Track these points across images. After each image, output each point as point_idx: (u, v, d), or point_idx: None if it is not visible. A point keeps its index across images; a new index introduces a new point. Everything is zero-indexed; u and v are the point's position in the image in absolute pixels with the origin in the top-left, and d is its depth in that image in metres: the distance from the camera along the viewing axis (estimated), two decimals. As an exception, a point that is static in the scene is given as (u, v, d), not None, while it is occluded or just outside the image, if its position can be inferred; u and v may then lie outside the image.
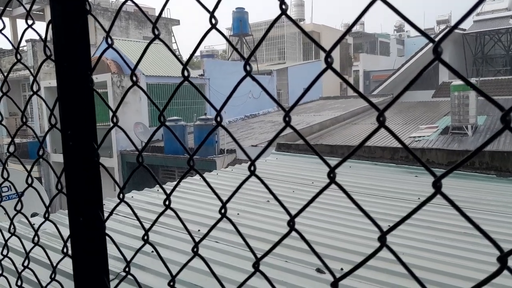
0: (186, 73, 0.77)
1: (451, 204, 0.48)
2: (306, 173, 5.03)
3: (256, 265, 0.73)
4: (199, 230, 2.98)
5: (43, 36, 0.97)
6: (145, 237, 0.89)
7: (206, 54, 35.01)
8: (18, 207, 1.19)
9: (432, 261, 2.44)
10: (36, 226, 1.20)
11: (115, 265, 2.13)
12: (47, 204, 1.17)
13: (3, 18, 1.17)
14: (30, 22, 1.05)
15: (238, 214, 3.45)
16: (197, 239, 0.84)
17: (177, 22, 27.00)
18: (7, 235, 1.39)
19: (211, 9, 0.73)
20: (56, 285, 1.24)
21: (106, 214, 0.99)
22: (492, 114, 13.73)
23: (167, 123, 0.81)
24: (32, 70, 14.01)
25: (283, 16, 0.67)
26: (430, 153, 5.65)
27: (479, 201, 3.75)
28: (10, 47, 22.45)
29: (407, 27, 48.94)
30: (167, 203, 0.83)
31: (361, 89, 31.63)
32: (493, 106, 0.47)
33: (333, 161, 0.62)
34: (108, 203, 3.45)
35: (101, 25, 0.94)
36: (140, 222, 0.90)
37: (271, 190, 0.69)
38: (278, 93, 22.45)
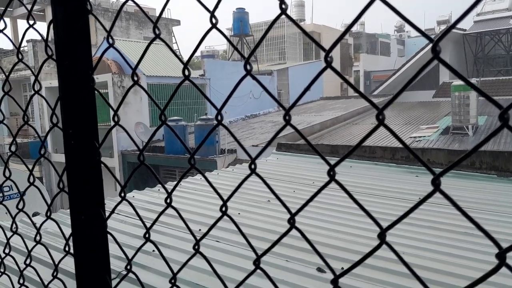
0: (187, 73, 0.77)
1: (450, 202, 0.49)
2: (306, 173, 5.03)
3: (256, 263, 0.73)
4: (200, 230, 2.99)
5: (44, 36, 0.98)
6: (147, 235, 0.89)
7: (207, 55, 35.04)
8: (20, 206, 1.20)
9: (433, 261, 2.44)
10: (37, 225, 1.20)
11: (116, 264, 2.14)
12: (48, 203, 1.17)
13: (4, 18, 1.18)
14: (31, 22, 1.05)
15: (239, 213, 3.46)
16: (198, 238, 0.84)
17: (177, 23, 27.02)
18: (8, 234, 1.40)
19: (211, 9, 0.74)
20: (58, 284, 1.24)
21: (107, 214, 0.99)
22: (493, 114, 13.72)
23: (168, 124, 0.82)
24: (33, 70, 14.00)
25: (284, 17, 0.68)
26: (430, 153, 5.65)
27: (480, 201, 3.75)
28: (10, 47, 22.49)
29: (407, 27, 48.92)
30: (168, 201, 0.83)
31: (361, 89, 31.56)
32: (494, 106, 0.48)
33: (333, 161, 0.63)
34: (109, 203, 3.44)
35: (102, 25, 0.95)
36: (141, 220, 0.90)
37: (271, 188, 0.69)
38: (278, 93, 22.44)
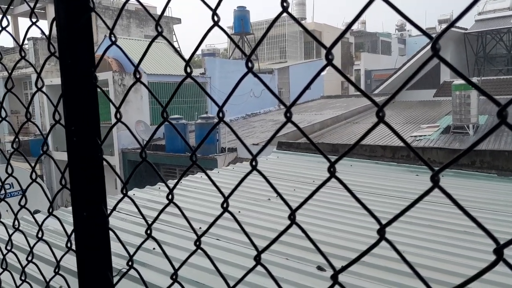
0: (188, 70, 0.78)
1: (449, 198, 0.50)
2: (307, 172, 5.04)
3: (257, 258, 0.74)
4: (200, 228, 3.00)
5: (46, 34, 0.99)
6: (148, 231, 0.90)
7: (207, 53, 35.01)
8: (22, 202, 1.20)
9: (432, 259, 2.45)
10: (39, 222, 1.21)
11: (115, 262, 2.15)
12: (50, 200, 1.18)
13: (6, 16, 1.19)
14: (34, 20, 1.06)
15: (239, 212, 3.46)
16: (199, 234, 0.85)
17: (178, 21, 27.01)
18: (9, 232, 1.41)
19: (213, 7, 0.74)
20: (59, 282, 1.25)
21: (108, 211, 1.00)
22: (494, 114, 13.69)
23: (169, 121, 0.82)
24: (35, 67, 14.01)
25: (285, 15, 0.68)
26: (431, 152, 5.66)
27: (480, 200, 3.75)
28: (10, 45, 22.49)
29: (408, 26, 48.80)
30: (170, 197, 0.84)
31: (362, 88, 31.55)
32: (495, 106, 0.48)
33: (334, 159, 0.63)
34: (109, 201, 3.45)
35: (104, 22, 0.95)
36: (143, 216, 0.91)
37: (272, 184, 0.70)
38: (279, 92, 22.43)
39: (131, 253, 0.97)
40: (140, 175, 9.86)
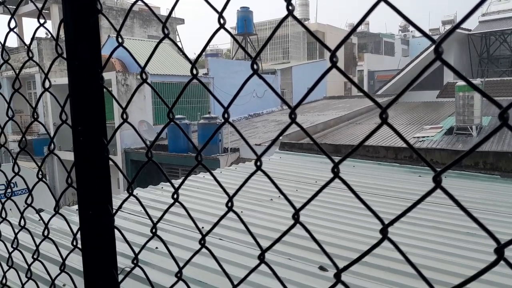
0: (194, 71, 0.79)
1: (451, 198, 0.50)
2: (309, 172, 5.05)
3: (261, 257, 0.75)
4: (203, 227, 3.01)
5: (54, 35, 1.00)
6: (153, 230, 0.91)
7: (211, 53, 35.06)
8: (29, 201, 1.22)
9: (435, 260, 2.45)
10: (45, 221, 1.23)
11: (120, 261, 2.16)
12: (56, 199, 1.19)
13: (6, 15, 1.20)
14: (42, 21, 1.07)
15: (241, 212, 3.47)
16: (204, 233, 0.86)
17: (181, 21, 27.05)
18: (15, 230, 1.42)
19: (219, 9, 0.75)
20: (64, 280, 1.26)
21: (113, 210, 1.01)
22: (497, 115, 13.64)
23: (173, 122, 0.84)
24: (41, 68, 14.11)
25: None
26: (434, 153, 5.65)
27: (483, 201, 3.75)
28: (14, 45, 22.58)
29: (412, 27, 48.65)
30: (175, 196, 0.85)
31: (365, 89, 31.55)
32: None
33: (337, 160, 0.64)
34: (113, 200, 3.48)
35: (111, 24, 0.96)
36: (149, 215, 0.92)
37: (276, 184, 0.71)
38: (282, 92, 22.42)
39: (136, 252, 0.98)
40: (144, 173, 9.88)
